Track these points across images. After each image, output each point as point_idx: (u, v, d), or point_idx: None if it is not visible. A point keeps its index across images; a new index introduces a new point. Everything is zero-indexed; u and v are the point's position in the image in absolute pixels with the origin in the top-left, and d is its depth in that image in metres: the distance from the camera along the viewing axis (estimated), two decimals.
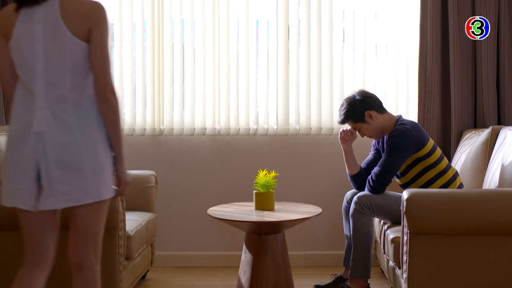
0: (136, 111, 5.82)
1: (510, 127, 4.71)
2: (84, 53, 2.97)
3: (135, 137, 5.76)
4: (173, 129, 5.81)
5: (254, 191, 4.84)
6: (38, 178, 2.94)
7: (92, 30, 2.96)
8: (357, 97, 4.71)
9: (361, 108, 4.68)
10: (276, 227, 4.60)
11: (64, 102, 2.96)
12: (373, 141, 4.94)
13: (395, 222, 4.51)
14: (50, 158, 2.91)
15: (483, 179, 4.72)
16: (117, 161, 3.10)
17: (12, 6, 3.01)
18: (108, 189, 3.06)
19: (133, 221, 4.73)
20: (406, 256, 3.96)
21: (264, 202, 4.80)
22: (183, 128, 5.80)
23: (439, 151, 4.63)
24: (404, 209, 3.92)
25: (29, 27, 2.94)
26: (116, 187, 3.14)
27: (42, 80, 2.95)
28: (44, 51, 2.94)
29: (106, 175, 3.03)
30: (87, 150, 2.95)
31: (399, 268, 4.17)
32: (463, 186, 4.68)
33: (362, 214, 4.52)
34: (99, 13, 2.99)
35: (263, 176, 4.81)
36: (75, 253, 3.12)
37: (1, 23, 3.03)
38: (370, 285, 4.68)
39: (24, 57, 2.97)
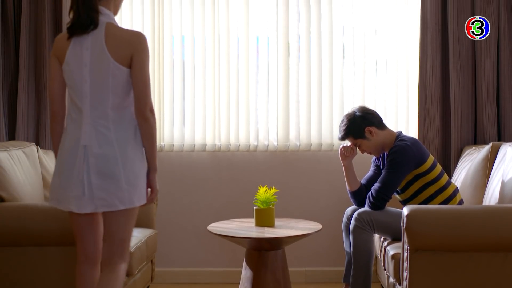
0: None
1: (510, 143, 4.71)
2: (124, 77, 3.33)
3: None
4: (173, 145, 5.81)
5: (254, 207, 4.84)
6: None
7: (133, 57, 3.32)
8: (357, 113, 4.72)
9: (361, 124, 4.68)
10: (276, 244, 4.60)
11: (106, 119, 3.33)
12: (373, 158, 4.94)
13: (396, 238, 4.51)
14: (91, 168, 3.29)
15: (483, 195, 4.72)
16: (150, 172, 3.48)
17: (65, 33, 3.38)
18: (141, 197, 3.40)
19: (133, 237, 4.70)
20: (407, 272, 3.95)
21: (264, 218, 4.80)
22: (183, 144, 5.81)
23: (439, 167, 4.63)
24: (404, 225, 3.92)
25: (78, 53, 3.33)
26: (148, 195, 3.50)
27: (88, 100, 3.33)
28: (90, 74, 3.32)
29: (139, 184, 3.38)
30: (123, 162, 3.31)
31: (400, 284, 4.16)
32: (463, 202, 4.67)
33: (363, 230, 4.52)
34: (140, 41, 3.36)
35: (263, 193, 4.81)
36: (104, 252, 3.48)
37: (56, 48, 3.42)
38: None
39: (73, 79, 3.36)
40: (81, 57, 3.33)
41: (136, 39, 3.35)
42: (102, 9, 3.36)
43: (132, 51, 3.32)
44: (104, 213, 3.42)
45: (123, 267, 3.48)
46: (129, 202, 3.35)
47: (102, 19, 3.34)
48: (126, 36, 3.36)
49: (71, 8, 3.36)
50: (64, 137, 3.42)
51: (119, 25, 3.46)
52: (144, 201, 3.44)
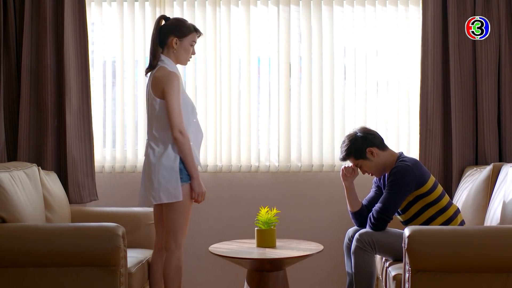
0: (137, 148, 5.84)
1: (511, 164, 4.71)
2: (161, 106, 4.34)
3: (136, 174, 5.75)
4: None
5: (256, 228, 4.84)
6: None
7: (163, 91, 4.31)
8: (358, 134, 4.72)
9: (363, 145, 4.68)
10: (278, 264, 4.59)
11: (155, 138, 4.39)
12: (375, 178, 4.93)
13: (397, 259, 4.50)
14: (145, 173, 4.43)
15: (485, 216, 4.71)
16: (191, 179, 4.36)
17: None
18: (170, 196, 4.30)
19: (134, 258, 4.73)
20: None
21: (265, 239, 4.80)
22: None
23: (440, 188, 4.62)
24: (406, 246, 3.92)
25: (146, 89, 4.54)
26: (194, 197, 4.42)
27: (147, 124, 4.50)
28: (146, 105, 4.53)
29: (169, 186, 4.29)
30: (158, 169, 4.31)
31: None
32: (464, 223, 4.66)
33: (364, 251, 4.51)
34: (165, 78, 4.32)
35: (265, 213, 4.81)
36: (164, 239, 4.48)
37: None
38: None
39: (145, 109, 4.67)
40: (145, 93, 4.54)
41: (165, 78, 4.31)
42: (162, 56, 4.44)
43: (162, 86, 4.31)
44: (161, 208, 4.46)
45: (176, 254, 4.38)
46: (159, 199, 4.30)
47: (159, 64, 4.41)
48: (159, 75, 4.35)
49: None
50: None
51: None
52: (174, 200, 4.30)
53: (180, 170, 4.32)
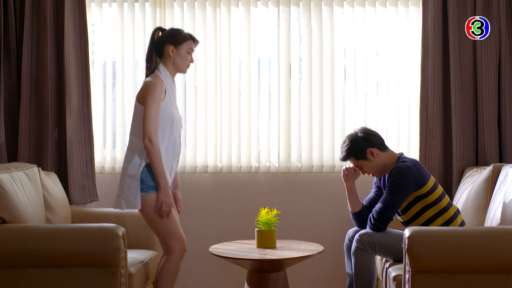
0: None
1: (511, 164, 4.72)
2: (138, 111, 4.34)
3: None
4: None
5: (256, 229, 4.84)
6: None
7: (144, 97, 4.29)
8: (359, 134, 4.71)
9: (363, 145, 4.68)
10: (278, 265, 4.59)
11: (130, 142, 4.40)
12: (375, 179, 4.93)
13: (397, 260, 4.50)
14: None
15: (485, 217, 4.71)
16: (158, 188, 4.27)
17: None
18: (129, 204, 4.29)
19: (134, 258, 4.72)
20: None
21: (266, 240, 4.80)
22: (185, 166, 5.81)
23: (440, 189, 4.62)
24: (406, 247, 3.92)
25: None
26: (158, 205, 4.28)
27: None
28: None
29: (129, 194, 4.27)
30: (122, 175, 4.34)
31: None
32: (464, 224, 4.66)
33: (364, 252, 4.51)
34: (150, 85, 4.31)
35: (265, 214, 4.81)
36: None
37: None
38: None
39: None
40: None
41: (149, 84, 4.32)
42: (160, 65, 4.46)
43: (145, 92, 4.29)
44: None
45: (169, 257, 4.37)
46: (119, 206, 4.33)
47: (155, 71, 4.43)
48: (148, 81, 4.36)
49: None
50: None
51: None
52: (132, 208, 4.29)
53: (142, 180, 4.27)
